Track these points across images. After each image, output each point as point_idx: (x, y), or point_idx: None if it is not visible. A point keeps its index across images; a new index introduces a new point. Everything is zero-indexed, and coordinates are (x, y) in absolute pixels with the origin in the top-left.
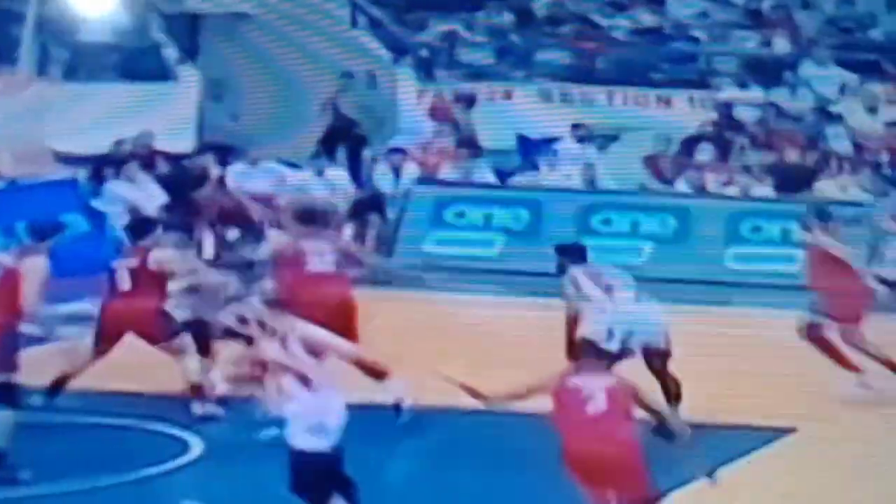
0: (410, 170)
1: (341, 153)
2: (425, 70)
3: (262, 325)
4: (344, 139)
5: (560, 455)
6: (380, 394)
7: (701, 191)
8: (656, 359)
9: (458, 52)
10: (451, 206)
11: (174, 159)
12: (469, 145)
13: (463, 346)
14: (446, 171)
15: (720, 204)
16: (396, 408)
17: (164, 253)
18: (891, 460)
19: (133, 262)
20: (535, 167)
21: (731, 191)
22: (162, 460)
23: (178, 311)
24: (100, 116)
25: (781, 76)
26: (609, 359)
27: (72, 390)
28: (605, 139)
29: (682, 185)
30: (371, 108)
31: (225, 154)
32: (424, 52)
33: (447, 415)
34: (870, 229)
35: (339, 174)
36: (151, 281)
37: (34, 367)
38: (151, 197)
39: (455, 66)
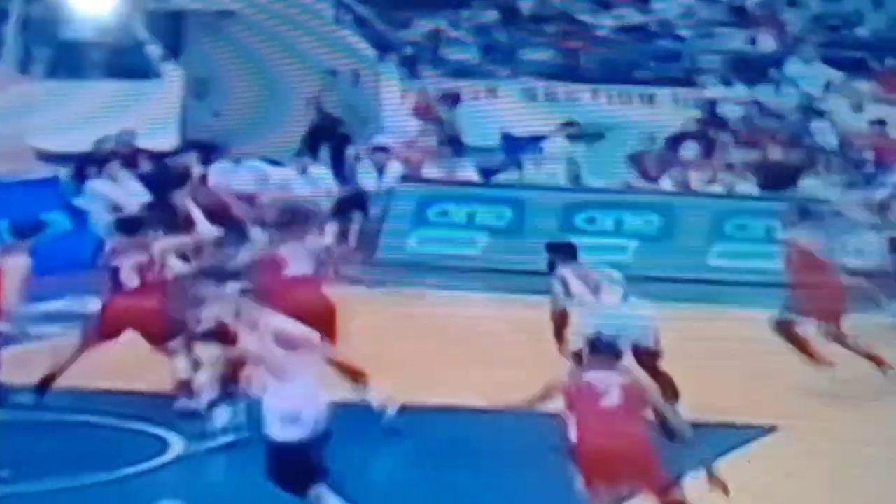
0: (394, 168)
1: (325, 151)
2: (410, 68)
3: (237, 315)
4: (327, 137)
5: (572, 452)
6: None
7: (685, 188)
8: (646, 358)
9: (443, 50)
10: (435, 205)
11: (157, 157)
12: (453, 143)
13: (446, 344)
14: (430, 170)
15: (705, 202)
16: (380, 415)
17: (166, 241)
18: (872, 458)
19: (139, 257)
20: (519, 165)
21: (716, 189)
22: (141, 459)
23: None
24: (82, 114)
25: (766, 74)
26: (619, 356)
27: (53, 389)
28: (590, 137)
29: (666, 183)
30: (355, 105)
31: (208, 152)
32: (409, 50)
33: (446, 415)
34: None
35: (322, 172)
36: (157, 278)
37: (16, 366)
38: (133, 195)
39: (440, 64)
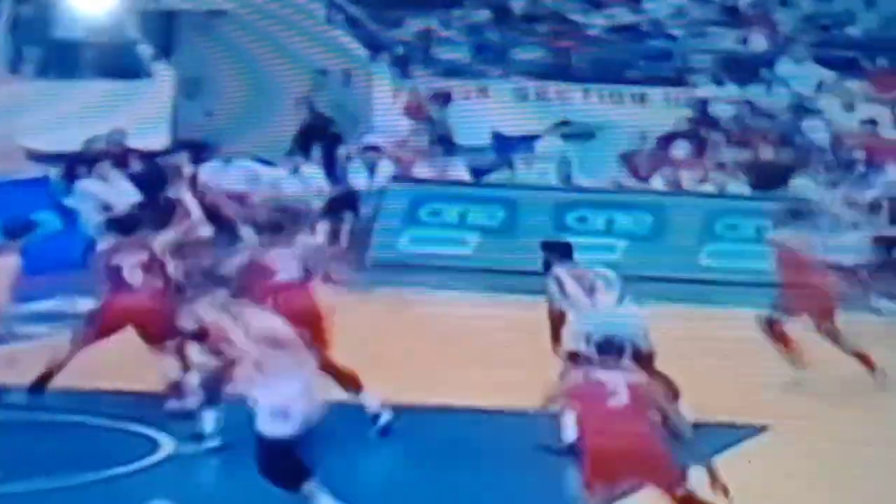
0: (385, 167)
1: (316, 150)
2: (401, 67)
3: (224, 311)
4: (319, 136)
5: (573, 451)
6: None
7: (676, 188)
8: (641, 360)
9: (435, 49)
10: (426, 204)
11: (147, 157)
12: (444, 143)
13: (439, 344)
14: (421, 169)
15: (696, 201)
16: (374, 419)
17: (166, 236)
18: (872, 458)
19: (141, 256)
20: (511, 165)
21: (707, 188)
22: (131, 459)
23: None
24: (73, 114)
25: (758, 73)
26: (627, 356)
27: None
28: (581, 136)
29: (657, 183)
30: (346, 105)
31: (199, 151)
32: (400, 50)
33: (441, 415)
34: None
35: (313, 171)
36: (160, 275)
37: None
38: (124, 195)
39: (431, 63)
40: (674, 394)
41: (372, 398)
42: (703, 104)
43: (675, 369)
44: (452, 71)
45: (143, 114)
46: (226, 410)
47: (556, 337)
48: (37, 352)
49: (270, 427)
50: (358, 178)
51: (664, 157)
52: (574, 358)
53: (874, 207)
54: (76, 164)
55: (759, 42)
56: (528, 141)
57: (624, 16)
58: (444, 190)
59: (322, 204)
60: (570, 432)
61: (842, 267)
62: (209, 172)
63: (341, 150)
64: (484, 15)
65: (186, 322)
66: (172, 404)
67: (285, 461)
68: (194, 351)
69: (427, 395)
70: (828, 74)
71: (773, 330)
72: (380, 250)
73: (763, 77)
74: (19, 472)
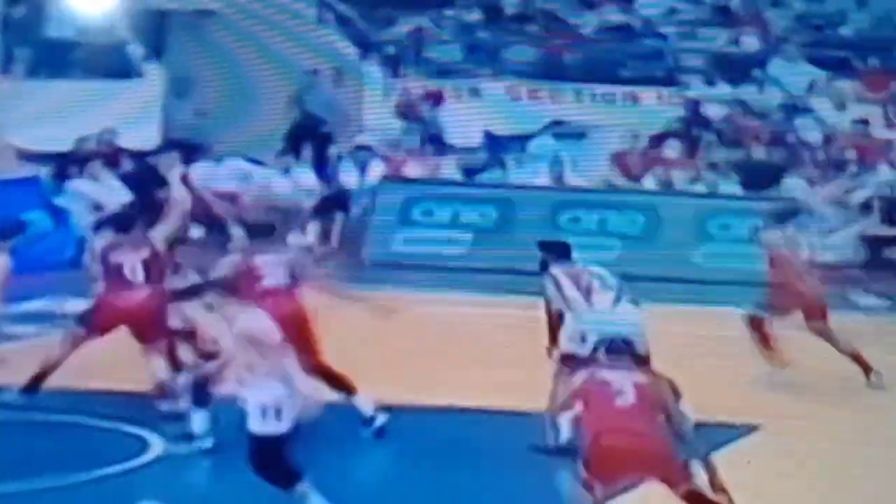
0: (376, 167)
1: (307, 150)
2: (392, 67)
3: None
4: (310, 136)
5: (576, 451)
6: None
7: (668, 188)
8: (638, 360)
9: (426, 49)
10: (419, 205)
11: (138, 156)
12: (435, 143)
13: (433, 344)
14: (413, 169)
15: (689, 202)
16: (368, 422)
17: (161, 229)
18: (872, 458)
19: (142, 253)
20: (503, 165)
21: (699, 188)
22: (121, 459)
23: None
24: (63, 114)
25: (750, 73)
26: (632, 354)
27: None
28: (573, 136)
29: (649, 182)
30: (337, 105)
31: (189, 151)
32: (392, 50)
33: (437, 415)
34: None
35: (304, 172)
36: (160, 274)
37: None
38: (115, 194)
39: (423, 63)
40: (676, 393)
41: (365, 401)
42: (694, 104)
43: (669, 369)
44: (444, 71)
45: (134, 113)
46: (215, 411)
47: (552, 339)
48: (25, 352)
49: (262, 426)
50: (349, 178)
51: (656, 156)
52: (568, 360)
53: (865, 207)
54: (67, 163)
55: (750, 42)
56: (519, 141)
57: (615, 16)
58: (436, 190)
59: (313, 204)
60: (565, 432)
61: (830, 265)
62: (200, 172)
63: (332, 150)
64: (475, 14)
65: (175, 322)
66: (165, 405)
67: (278, 460)
68: (184, 351)
69: (424, 396)
70: (819, 74)
71: (755, 328)
72: (373, 250)
73: (755, 77)
74: (8, 473)
